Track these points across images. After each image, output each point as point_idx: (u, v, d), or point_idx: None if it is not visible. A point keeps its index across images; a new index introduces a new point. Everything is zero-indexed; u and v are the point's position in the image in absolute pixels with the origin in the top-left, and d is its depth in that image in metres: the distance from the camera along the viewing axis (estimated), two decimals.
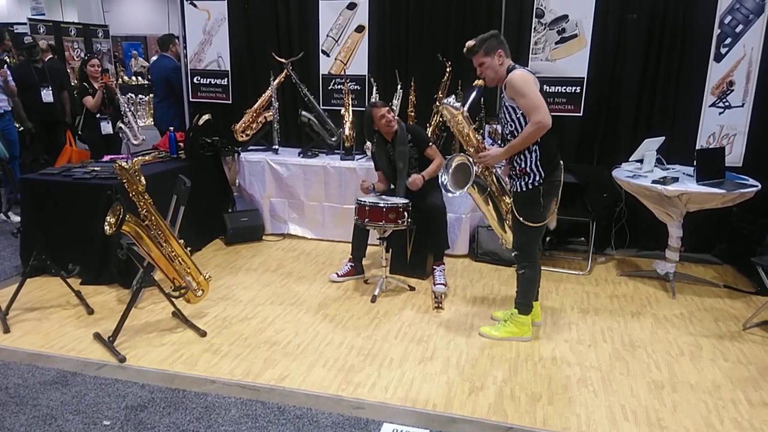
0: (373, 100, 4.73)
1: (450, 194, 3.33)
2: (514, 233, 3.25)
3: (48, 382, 2.85)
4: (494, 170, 3.35)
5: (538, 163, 3.00)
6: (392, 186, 4.12)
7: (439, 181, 3.34)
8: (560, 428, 2.53)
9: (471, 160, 3.25)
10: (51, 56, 6.94)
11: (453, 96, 3.21)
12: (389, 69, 4.97)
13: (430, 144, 4.10)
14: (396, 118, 4.03)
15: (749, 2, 4.12)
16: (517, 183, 3.08)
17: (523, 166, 3.03)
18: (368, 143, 4.79)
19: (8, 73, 5.52)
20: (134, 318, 3.45)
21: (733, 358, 3.14)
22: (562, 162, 3.13)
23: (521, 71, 2.95)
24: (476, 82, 3.16)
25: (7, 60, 6.07)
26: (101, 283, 3.99)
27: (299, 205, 5.05)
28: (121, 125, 5.09)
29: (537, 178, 3.02)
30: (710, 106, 4.35)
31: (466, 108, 3.27)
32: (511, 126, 3.03)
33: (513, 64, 3.04)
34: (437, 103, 4.66)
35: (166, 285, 3.39)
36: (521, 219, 3.10)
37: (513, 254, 3.28)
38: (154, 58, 6.44)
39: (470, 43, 3.04)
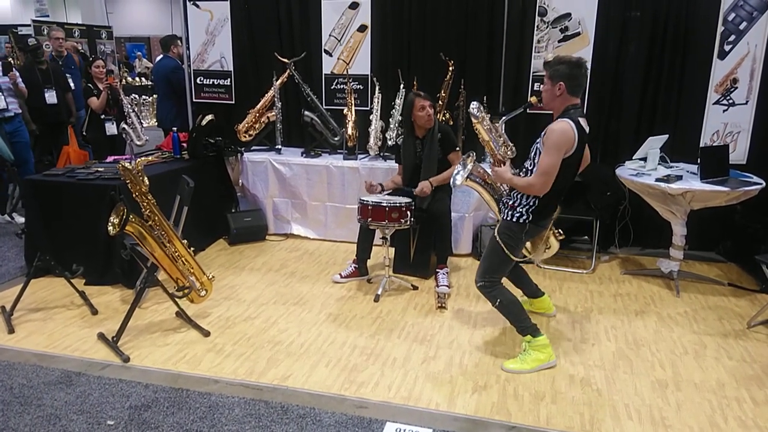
0: (417, 90, 4.44)
1: (453, 186, 3.26)
2: (485, 261, 3.03)
3: (52, 382, 2.86)
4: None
5: (531, 210, 2.88)
6: (406, 187, 4.07)
7: (452, 175, 3.24)
8: (564, 427, 2.52)
9: (475, 161, 3.21)
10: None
11: (476, 103, 3.11)
12: (392, 68, 4.96)
13: (457, 149, 4.08)
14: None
15: None
16: (506, 211, 2.97)
17: (515, 203, 2.92)
18: (389, 132, 4.79)
19: (18, 75, 5.52)
20: (138, 318, 3.45)
21: (738, 356, 3.13)
22: (559, 207, 3.04)
23: (566, 127, 2.71)
24: (531, 98, 3.06)
25: (12, 62, 6.09)
26: (105, 283, 4.00)
27: (302, 205, 5.06)
28: (125, 126, 5.10)
29: (525, 218, 2.90)
30: (714, 103, 4.34)
31: (502, 121, 3.16)
32: (529, 165, 2.89)
33: (571, 107, 2.78)
34: (440, 102, 4.66)
35: (169, 285, 3.40)
36: (499, 241, 2.92)
37: (479, 285, 3.02)
38: (159, 58, 6.48)
39: (549, 56, 2.93)
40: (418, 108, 3.91)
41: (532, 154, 2.88)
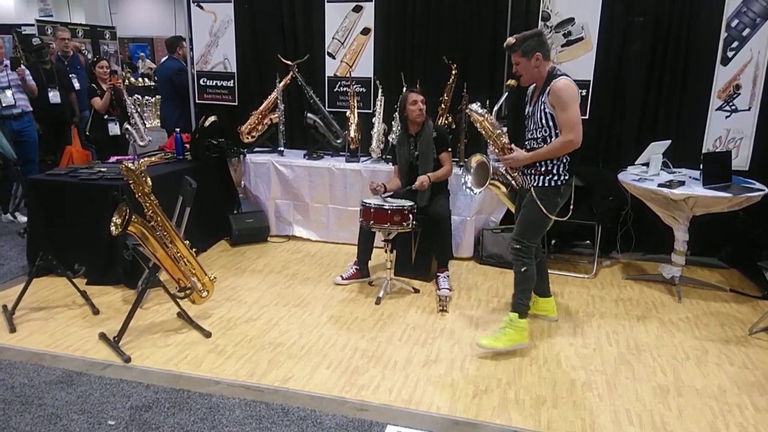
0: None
1: (472, 193, 3.38)
2: (522, 224, 3.14)
3: (53, 381, 2.86)
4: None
5: (565, 169, 3.02)
6: (408, 186, 4.08)
7: (462, 182, 3.38)
8: None
9: (488, 158, 3.29)
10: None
11: (477, 102, 3.24)
12: (394, 71, 4.96)
13: (449, 149, 4.11)
14: (427, 114, 4.03)
15: (756, 6, 4.11)
16: (538, 178, 3.07)
17: (548, 168, 3.03)
18: (391, 135, 4.79)
19: (26, 71, 5.47)
20: (139, 318, 3.46)
21: (739, 362, 3.12)
22: None
23: (568, 81, 2.91)
24: (509, 81, 3.12)
25: (20, 59, 6.09)
26: (107, 283, 4.01)
27: (304, 207, 5.06)
28: (128, 126, 5.11)
29: (560, 179, 3.03)
30: (717, 109, 4.34)
31: (494, 110, 3.23)
32: (544, 132, 3.00)
33: (555, 67, 2.99)
34: (442, 106, 4.67)
35: (171, 286, 3.40)
36: (543, 208, 3.03)
37: (515, 247, 3.12)
38: (164, 59, 6.51)
39: (510, 40, 3.02)
40: (410, 102, 3.96)
41: (543, 120, 2.99)
